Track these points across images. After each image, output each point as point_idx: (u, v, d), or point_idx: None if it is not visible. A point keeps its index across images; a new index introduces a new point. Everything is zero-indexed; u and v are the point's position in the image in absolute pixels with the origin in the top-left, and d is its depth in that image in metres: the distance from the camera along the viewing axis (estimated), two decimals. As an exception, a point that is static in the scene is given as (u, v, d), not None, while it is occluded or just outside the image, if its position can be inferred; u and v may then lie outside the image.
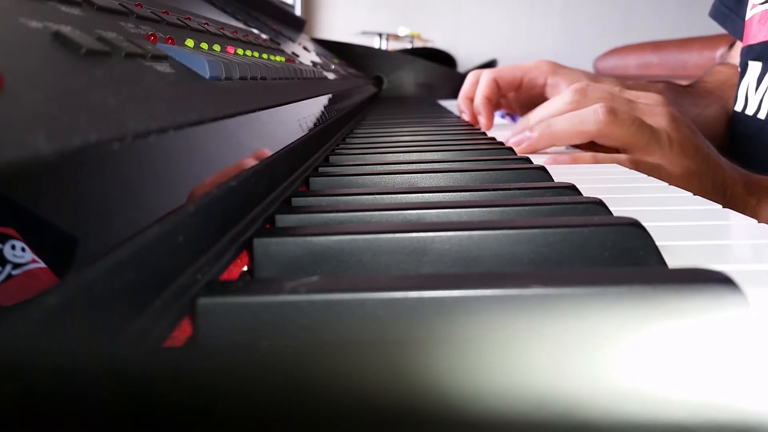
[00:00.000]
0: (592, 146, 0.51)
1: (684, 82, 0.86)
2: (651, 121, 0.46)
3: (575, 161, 0.46)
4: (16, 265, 0.12)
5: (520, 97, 0.74)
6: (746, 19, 0.75)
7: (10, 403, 0.09)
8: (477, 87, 0.71)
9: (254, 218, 0.24)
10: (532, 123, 0.51)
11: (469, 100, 0.73)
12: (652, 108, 0.48)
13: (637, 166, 0.45)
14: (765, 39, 0.69)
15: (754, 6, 0.73)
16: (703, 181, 0.46)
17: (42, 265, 0.13)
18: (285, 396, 0.09)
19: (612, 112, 0.45)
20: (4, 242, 0.12)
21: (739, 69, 0.75)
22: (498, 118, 0.77)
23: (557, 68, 0.71)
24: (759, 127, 0.69)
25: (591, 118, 0.45)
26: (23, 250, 0.12)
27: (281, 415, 0.09)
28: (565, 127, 0.47)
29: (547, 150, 0.52)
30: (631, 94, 0.50)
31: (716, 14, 0.85)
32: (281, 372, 0.10)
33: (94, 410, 0.09)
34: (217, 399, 0.09)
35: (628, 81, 0.75)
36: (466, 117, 0.73)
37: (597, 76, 0.73)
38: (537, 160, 0.47)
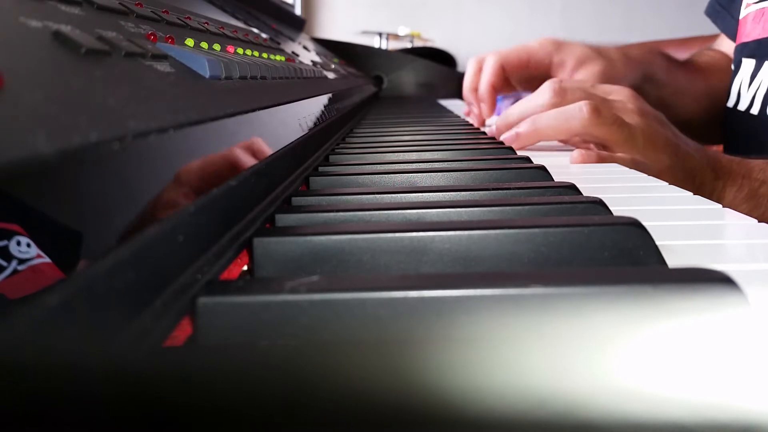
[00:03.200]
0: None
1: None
2: (626, 118, 0.48)
3: (603, 160, 0.48)
4: (21, 261, 0.12)
5: (525, 76, 0.74)
6: (740, 18, 0.76)
7: (10, 403, 0.09)
8: (481, 75, 0.70)
9: (254, 217, 0.24)
10: (513, 119, 0.54)
11: (475, 92, 0.73)
12: (625, 105, 0.50)
13: (636, 165, 0.47)
14: (759, 37, 0.71)
15: (748, 5, 0.74)
16: (675, 173, 0.49)
17: (47, 260, 0.13)
18: (285, 396, 0.09)
19: (596, 111, 0.47)
20: (9, 238, 0.12)
21: (732, 66, 0.76)
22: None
23: (561, 45, 0.72)
24: (752, 123, 0.70)
25: (577, 116, 0.47)
26: (28, 245, 0.12)
27: (281, 415, 0.09)
28: (551, 124, 0.49)
29: (559, 147, 0.55)
30: (602, 90, 0.53)
31: (710, 11, 0.88)
32: (281, 371, 0.10)
33: (94, 409, 0.09)
34: (217, 398, 0.09)
35: (630, 49, 0.76)
36: (474, 109, 0.72)
37: (600, 48, 0.73)
38: (560, 157, 0.49)
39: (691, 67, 0.84)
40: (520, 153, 0.45)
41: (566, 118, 0.48)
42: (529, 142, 0.51)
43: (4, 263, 0.12)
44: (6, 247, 0.12)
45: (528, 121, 0.51)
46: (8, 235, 0.12)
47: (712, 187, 0.51)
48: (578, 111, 0.47)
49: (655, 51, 0.80)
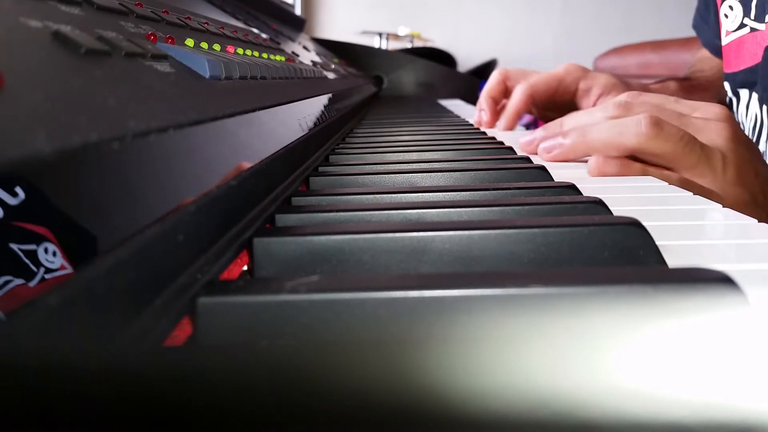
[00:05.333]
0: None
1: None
2: (704, 138, 0.40)
3: (625, 169, 0.41)
4: (48, 270, 0.12)
5: (548, 102, 0.72)
6: (723, 44, 0.76)
7: (10, 403, 0.09)
8: (511, 98, 0.68)
9: (254, 217, 0.24)
10: (566, 129, 0.46)
11: (491, 100, 0.72)
12: (708, 123, 0.42)
13: (689, 187, 0.39)
14: (744, 67, 0.70)
15: (728, 33, 0.74)
16: (754, 214, 0.42)
17: (70, 271, 0.13)
18: (285, 395, 0.09)
19: (657, 124, 0.39)
20: (38, 244, 0.12)
21: (731, 96, 0.76)
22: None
23: (587, 72, 0.69)
24: None
25: (632, 129, 0.40)
26: (54, 254, 0.13)
27: (281, 415, 0.09)
28: (602, 136, 0.41)
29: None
30: (686, 106, 0.44)
31: (695, 24, 0.88)
32: (281, 371, 0.10)
33: (94, 410, 0.09)
34: (217, 398, 0.09)
35: (650, 85, 0.75)
36: (484, 116, 0.71)
37: (624, 79, 0.71)
38: (578, 168, 0.43)
39: (698, 88, 0.83)
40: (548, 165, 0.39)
41: (620, 131, 0.40)
42: (573, 155, 0.44)
43: (34, 269, 0.12)
44: (35, 252, 0.12)
45: (578, 130, 0.43)
46: (37, 239, 0.12)
47: None
48: (635, 124, 0.40)
49: (669, 84, 0.79)
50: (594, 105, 0.68)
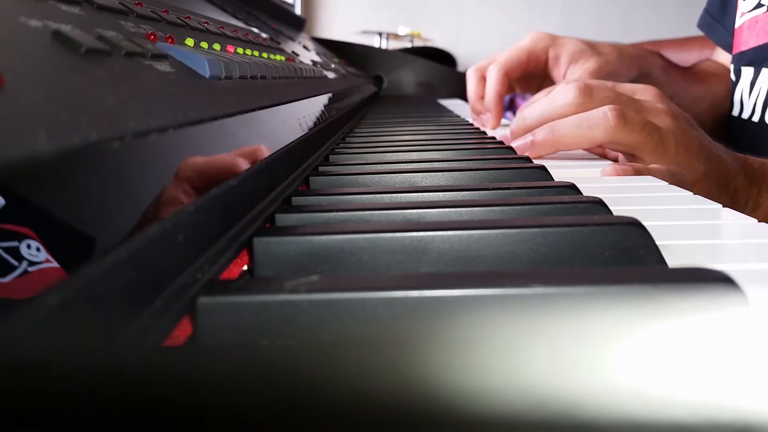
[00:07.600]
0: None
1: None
2: (656, 121, 0.44)
3: (638, 173, 0.42)
4: (31, 263, 0.12)
5: (523, 76, 0.73)
6: (736, 27, 0.77)
7: (10, 403, 0.09)
8: (486, 84, 0.70)
9: (254, 217, 0.24)
10: (531, 122, 0.49)
11: (482, 100, 0.72)
12: (654, 105, 0.46)
13: (672, 177, 0.42)
14: (755, 45, 0.71)
15: (743, 14, 0.75)
16: (710, 181, 0.45)
17: (55, 265, 0.13)
18: (285, 395, 0.09)
19: (623, 116, 0.42)
20: (20, 240, 0.12)
21: (732, 76, 0.76)
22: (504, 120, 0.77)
23: (555, 39, 0.70)
24: (753, 130, 0.70)
25: (601, 123, 0.42)
26: (38, 249, 0.13)
27: (281, 415, 0.09)
28: (572, 132, 0.44)
29: (585, 155, 0.50)
30: (627, 89, 0.48)
31: (702, 23, 0.89)
32: (281, 371, 0.10)
33: (93, 409, 0.09)
34: (217, 398, 0.09)
35: (625, 47, 0.75)
36: (487, 118, 0.71)
37: (594, 43, 0.71)
38: (592, 169, 0.43)
39: (690, 72, 0.83)
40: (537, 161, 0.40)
41: (589, 126, 0.43)
42: (546, 151, 0.46)
43: (15, 263, 0.12)
44: (17, 248, 0.12)
45: (546, 127, 0.45)
46: (19, 237, 0.12)
47: (747, 194, 0.47)
48: (602, 117, 0.42)
49: (651, 50, 0.79)
50: (564, 74, 0.69)
